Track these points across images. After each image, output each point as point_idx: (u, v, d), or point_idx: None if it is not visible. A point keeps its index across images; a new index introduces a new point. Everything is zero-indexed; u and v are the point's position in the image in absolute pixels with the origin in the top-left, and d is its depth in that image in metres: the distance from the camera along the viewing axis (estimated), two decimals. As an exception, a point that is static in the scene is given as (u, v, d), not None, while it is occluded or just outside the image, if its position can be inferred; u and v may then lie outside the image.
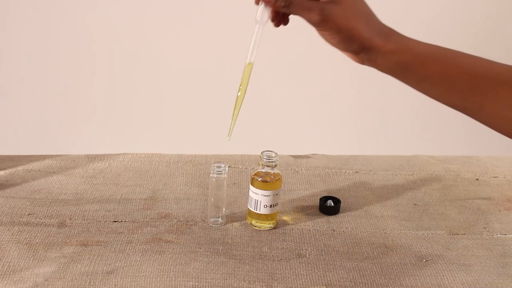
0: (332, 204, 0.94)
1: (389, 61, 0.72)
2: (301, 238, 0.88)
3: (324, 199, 0.95)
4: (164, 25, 1.90)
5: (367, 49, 0.71)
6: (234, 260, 0.82)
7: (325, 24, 0.71)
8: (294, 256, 0.83)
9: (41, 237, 0.85)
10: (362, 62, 0.73)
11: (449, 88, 0.72)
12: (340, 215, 0.95)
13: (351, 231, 0.90)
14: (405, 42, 0.72)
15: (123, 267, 0.79)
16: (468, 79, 0.71)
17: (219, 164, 0.87)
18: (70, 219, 0.89)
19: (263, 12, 0.74)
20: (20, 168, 1.03)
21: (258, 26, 0.76)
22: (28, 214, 0.90)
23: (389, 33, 0.72)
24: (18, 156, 1.06)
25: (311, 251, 0.85)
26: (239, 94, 0.78)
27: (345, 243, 0.87)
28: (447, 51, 0.73)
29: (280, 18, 0.74)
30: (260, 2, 0.72)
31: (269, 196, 0.87)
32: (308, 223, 0.92)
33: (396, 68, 0.73)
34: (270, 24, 0.74)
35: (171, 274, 0.78)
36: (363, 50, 0.72)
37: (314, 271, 0.80)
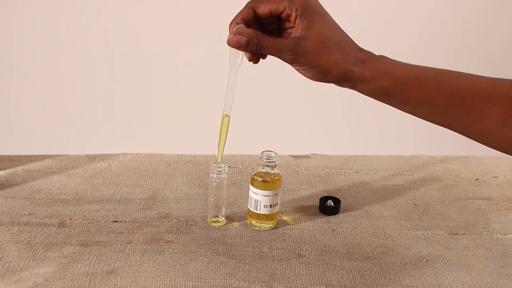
0: (332, 204, 0.94)
1: (368, 87, 0.71)
2: (301, 238, 0.88)
3: (324, 199, 0.95)
4: (164, 25, 1.90)
5: (345, 79, 0.70)
6: (234, 260, 0.82)
7: (299, 62, 0.70)
8: (294, 256, 0.83)
9: (41, 237, 0.84)
10: (342, 86, 0.73)
11: (432, 109, 0.71)
12: (340, 215, 0.95)
13: (351, 231, 0.90)
14: (383, 67, 0.70)
15: (123, 267, 0.79)
16: (450, 99, 0.70)
17: (219, 164, 0.87)
18: (70, 219, 0.89)
19: (236, 54, 0.74)
20: (20, 168, 1.03)
21: (232, 68, 0.76)
22: (28, 214, 0.90)
23: (366, 60, 0.70)
24: (18, 156, 1.06)
25: (311, 251, 0.85)
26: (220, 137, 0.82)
27: (345, 243, 0.87)
28: (427, 72, 0.71)
29: (258, 56, 0.74)
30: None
31: (269, 196, 0.87)
32: (308, 223, 0.92)
33: (376, 93, 0.72)
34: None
35: (171, 274, 0.78)
36: (341, 80, 0.71)
37: (314, 271, 0.80)
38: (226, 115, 0.80)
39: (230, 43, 0.71)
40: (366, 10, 1.94)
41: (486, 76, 0.71)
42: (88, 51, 1.92)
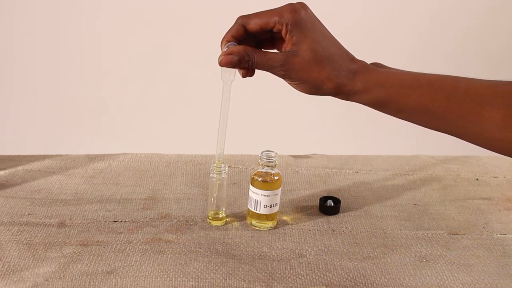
0: (332, 204, 0.94)
1: (361, 99, 0.70)
2: (301, 238, 0.88)
3: (324, 199, 0.95)
4: (165, 25, 1.91)
5: (337, 92, 0.70)
6: (234, 260, 0.82)
7: (289, 77, 0.70)
8: (294, 256, 0.83)
9: (41, 237, 0.85)
10: (335, 97, 0.72)
11: (429, 116, 0.70)
12: (340, 215, 0.95)
13: (351, 231, 0.90)
14: (375, 78, 0.70)
15: (123, 267, 0.79)
16: (447, 105, 0.68)
17: (219, 164, 0.87)
18: (70, 219, 0.89)
19: (229, 71, 0.74)
20: (20, 168, 1.03)
21: (225, 84, 0.77)
22: (28, 214, 0.90)
23: (357, 71, 0.70)
24: (18, 156, 1.06)
25: (311, 251, 0.85)
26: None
27: (345, 243, 0.87)
28: (421, 79, 0.70)
29: (252, 71, 0.73)
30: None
31: (269, 196, 0.87)
32: (308, 223, 0.92)
33: (370, 103, 0.71)
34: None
35: (171, 274, 0.78)
36: (333, 94, 0.71)
37: (314, 271, 0.80)
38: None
39: (222, 63, 0.71)
40: (367, 11, 1.94)
41: (482, 79, 0.70)
42: (88, 51, 1.92)
